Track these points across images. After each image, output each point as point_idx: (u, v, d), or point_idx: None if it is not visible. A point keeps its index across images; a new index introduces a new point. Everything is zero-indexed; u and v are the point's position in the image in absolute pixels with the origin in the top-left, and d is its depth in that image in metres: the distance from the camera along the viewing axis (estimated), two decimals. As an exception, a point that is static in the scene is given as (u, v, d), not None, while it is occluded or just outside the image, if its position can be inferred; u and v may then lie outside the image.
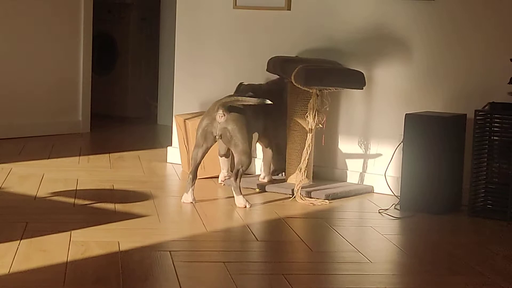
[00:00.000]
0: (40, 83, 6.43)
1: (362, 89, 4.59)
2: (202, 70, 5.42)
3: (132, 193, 4.52)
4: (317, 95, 4.49)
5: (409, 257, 3.54)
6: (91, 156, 5.59)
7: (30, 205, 4.15)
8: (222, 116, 4.33)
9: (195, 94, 5.44)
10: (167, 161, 5.51)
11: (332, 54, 4.90)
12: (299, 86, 4.46)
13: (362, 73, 4.56)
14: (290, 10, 5.07)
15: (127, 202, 4.26)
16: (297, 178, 4.50)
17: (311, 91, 4.48)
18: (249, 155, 4.36)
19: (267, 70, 4.85)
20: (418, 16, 4.65)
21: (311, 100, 4.49)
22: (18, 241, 3.42)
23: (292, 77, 4.47)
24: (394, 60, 4.74)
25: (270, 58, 4.86)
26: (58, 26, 6.48)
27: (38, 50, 6.39)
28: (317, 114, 4.49)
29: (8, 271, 3.05)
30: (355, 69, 4.71)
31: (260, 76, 5.13)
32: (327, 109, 4.62)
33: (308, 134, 4.52)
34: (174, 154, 5.46)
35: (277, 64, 4.72)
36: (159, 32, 7.49)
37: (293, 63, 4.57)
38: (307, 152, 4.51)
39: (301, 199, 4.46)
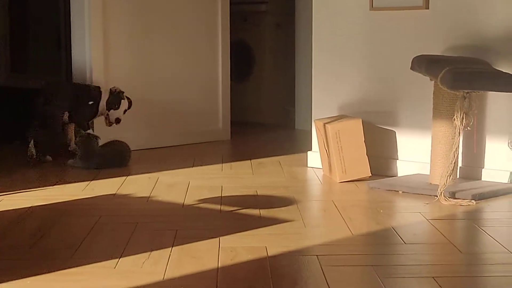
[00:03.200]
0: (182, 94, 6.58)
1: None
2: (340, 73, 5.41)
3: (275, 198, 4.56)
4: (464, 98, 4.38)
5: None
6: (233, 163, 5.68)
7: (178, 212, 4.26)
8: None
9: (333, 98, 5.44)
10: (308, 166, 5.53)
11: (476, 52, 4.78)
12: (445, 88, 4.37)
13: None
14: (428, 8, 4.99)
15: (271, 208, 4.30)
16: (441, 181, 4.41)
17: (457, 93, 4.39)
18: None
19: (411, 69, 4.78)
20: None
21: (458, 102, 4.39)
22: (170, 248, 3.52)
23: (438, 80, 4.38)
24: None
25: (414, 56, 4.78)
26: (197, 37, 6.61)
27: (180, 62, 6.53)
28: (465, 116, 4.38)
29: (162, 278, 3.14)
30: (505, 71, 4.55)
31: (400, 77, 5.08)
32: (476, 112, 4.50)
33: (455, 137, 4.42)
34: (314, 158, 5.48)
35: (423, 63, 4.64)
36: (294, 38, 7.54)
37: (439, 64, 4.48)
38: (454, 156, 4.41)
39: (446, 200, 4.38)
